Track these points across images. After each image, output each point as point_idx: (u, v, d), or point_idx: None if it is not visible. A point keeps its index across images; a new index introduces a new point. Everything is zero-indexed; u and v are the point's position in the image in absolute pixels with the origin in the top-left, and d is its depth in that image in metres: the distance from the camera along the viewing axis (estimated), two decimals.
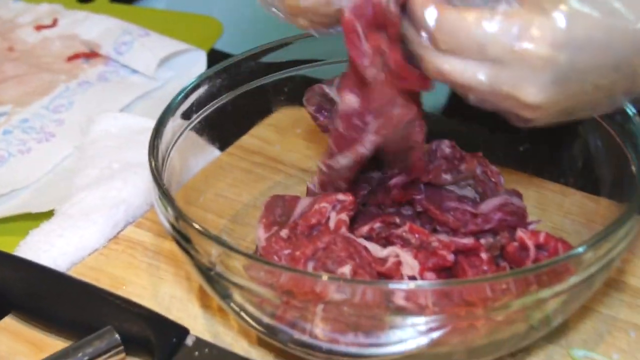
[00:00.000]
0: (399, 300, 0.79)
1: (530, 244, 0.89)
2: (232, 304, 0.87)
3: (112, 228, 1.04)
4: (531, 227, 0.95)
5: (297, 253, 0.87)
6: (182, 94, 0.98)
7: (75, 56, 1.33)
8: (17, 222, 1.09)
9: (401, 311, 0.79)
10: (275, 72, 1.05)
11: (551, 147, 1.03)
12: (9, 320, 0.95)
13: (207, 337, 0.93)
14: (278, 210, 0.94)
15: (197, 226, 0.84)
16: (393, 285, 0.80)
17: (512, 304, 0.79)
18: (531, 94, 0.77)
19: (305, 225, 0.91)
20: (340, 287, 0.79)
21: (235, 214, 1.05)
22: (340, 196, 0.92)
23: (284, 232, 0.91)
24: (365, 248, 0.89)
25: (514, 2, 0.76)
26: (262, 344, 0.93)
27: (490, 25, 0.75)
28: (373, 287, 0.79)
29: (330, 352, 0.85)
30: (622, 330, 0.94)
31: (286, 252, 0.89)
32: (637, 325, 0.94)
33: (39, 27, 1.38)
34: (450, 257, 0.89)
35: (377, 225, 0.93)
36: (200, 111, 1.00)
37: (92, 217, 1.03)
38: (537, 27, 0.75)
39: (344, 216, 0.91)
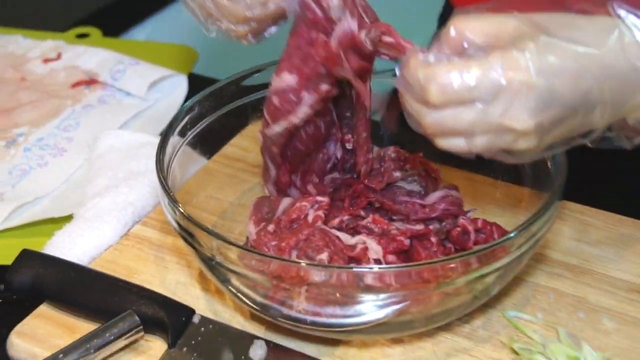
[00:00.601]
0: (369, 280, 0.81)
1: (470, 228, 0.92)
2: (230, 287, 0.89)
3: (122, 227, 1.05)
4: (469, 214, 0.97)
5: (283, 244, 0.89)
6: (180, 115, 0.99)
7: (78, 83, 1.33)
8: (41, 226, 1.10)
9: (370, 289, 0.82)
10: (251, 93, 1.07)
11: None
12: (44, 308, 0.96)
13: (209, 314, 0.94)
14: (265, 209, 0.96)
15: (200, 225, 0.86)
16: (363, 269, 0.82)
17: (459, 280, 0.82)
18: (521, 119, 0.75)
19: (287, 220, 0.93)
20: (321, 271, 0.81)
21: (223, 212, 1.07)
22: (319, 198, 0.94)
23: (271, 227, 0.92)
24: (338, 237, 0.91)
25: (486, 51, 0.76)
26: (255, 318, 0.94)
27: (475, 68, 0.74)
28: (347, 271, 0.82)
29: (313, 323, 0.87)
30: (543, 294, 0.97)
31: (273, 243, 0.90)
32: (555, 289, 0.97)
33: (46, 60, 1.38)
34: (407, 241, 0.91)
35: (345, 217, 0.95)
36: (194, 128, 1.01)
37: (106, 219, 1.04)
38: (516, 60, 0.74)
39: (321, 213, 0.93)
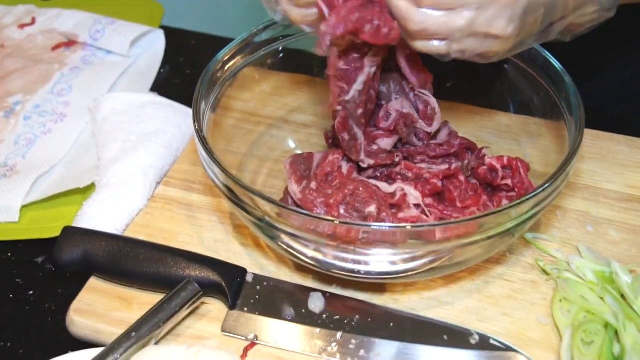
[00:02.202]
0: (427, 235, 0.70)
1: (498, 167, 0.80)
2: (279, 243, 0.76)
3: (149, 190, 0.89)
4: (484, 151, 0.85)
5: (331, 200, 0.76)
6: (204, 84, 0.83)
7: (58, 46, 1.13)
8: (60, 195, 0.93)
9: (426, 239, 0.70)
10: (260, 49, 0.91)
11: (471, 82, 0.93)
12: (94, 281, 0.81)
13: (255, 270, 0.81)
14: (302, 167, 0.82)
15: (253, 190, 0.72)
16: (429, 226, 0.69)
17: (508, 224, 0.71)
18: (507, 28, 0.68)
19: (322, 174, 0.80)
20: (377, 232, 0.69)
21: (239, 164, 0.91)
22: None
23: (313, 184, 0.79)
24: (377, 187, 0.79)
25: None
26: (300, 269, 0.82)
27: None
28: (408, 229, 0.69)
29: (367, 273, 0.75)
30: (550, 212, 0.87)
31: (319, 200, 0.77)
32: (559, 207, 0.88)
33: (22, 26, 1.17)
34: (440, 183, 0.80)
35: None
36: (212, 93, 0.86)
37: (132, 184, 0.88)
38: None
39: (353, 163, 0.80)
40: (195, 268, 0.78)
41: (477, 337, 0.74)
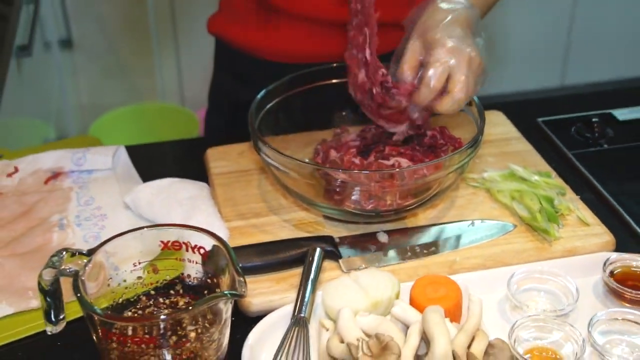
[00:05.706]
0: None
1: (437, 134, 1.26)
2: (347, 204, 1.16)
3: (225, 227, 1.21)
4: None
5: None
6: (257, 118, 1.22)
7: (48, 179, 1.35)
8: None
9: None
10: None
11: None
12: None
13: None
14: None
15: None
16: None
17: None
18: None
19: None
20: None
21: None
22: (351, 143, 1.24)
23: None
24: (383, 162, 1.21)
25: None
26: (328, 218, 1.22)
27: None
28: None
29: (409, 205, 1.17)
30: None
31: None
32: None
33: (9, 175, 1.36)
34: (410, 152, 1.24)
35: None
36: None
37: (215, 225, 1.19)
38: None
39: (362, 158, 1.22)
40: (308, 244, 1.13)
41: (479, 221, 1.20)
